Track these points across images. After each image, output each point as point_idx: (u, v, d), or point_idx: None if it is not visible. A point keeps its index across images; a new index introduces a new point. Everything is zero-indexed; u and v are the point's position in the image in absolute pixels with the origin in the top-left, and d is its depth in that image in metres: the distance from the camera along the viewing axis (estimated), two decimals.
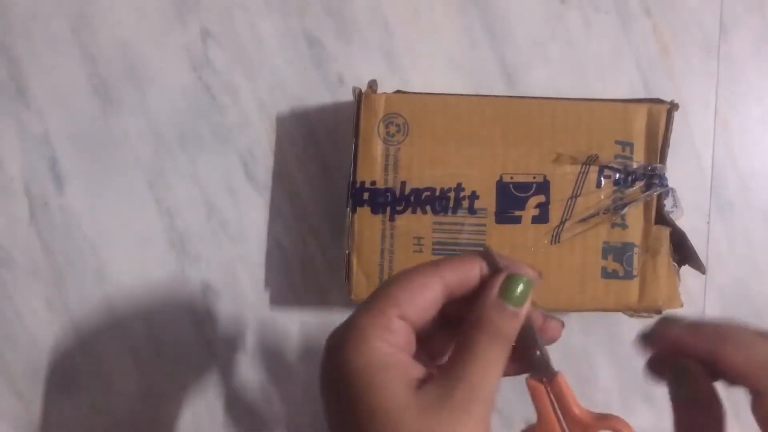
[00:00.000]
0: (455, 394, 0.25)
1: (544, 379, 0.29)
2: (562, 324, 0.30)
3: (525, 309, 0.28)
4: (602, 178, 0.43)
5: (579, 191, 0.43)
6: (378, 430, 0.24)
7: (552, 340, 0.30)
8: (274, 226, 0.50)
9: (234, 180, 0.50)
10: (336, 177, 0.50)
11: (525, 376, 0.30)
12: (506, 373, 0.29)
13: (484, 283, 0.28)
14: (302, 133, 0.50)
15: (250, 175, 0.50)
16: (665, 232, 0.43)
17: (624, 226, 0.43)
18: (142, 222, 0.50)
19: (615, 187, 0.43)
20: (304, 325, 0.51)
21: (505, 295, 0.27)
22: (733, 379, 0.27)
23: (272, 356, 0.51)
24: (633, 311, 0.44)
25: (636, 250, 0.43)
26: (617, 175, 0.43)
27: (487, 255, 0.29)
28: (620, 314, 0.45)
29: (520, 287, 0.27)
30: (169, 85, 0.50)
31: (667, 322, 0.29)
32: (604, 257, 0.43)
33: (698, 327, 0.28)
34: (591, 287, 0.43)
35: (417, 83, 0.50)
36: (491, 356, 0.26)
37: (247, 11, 0.50)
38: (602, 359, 0.50)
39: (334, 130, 0.50)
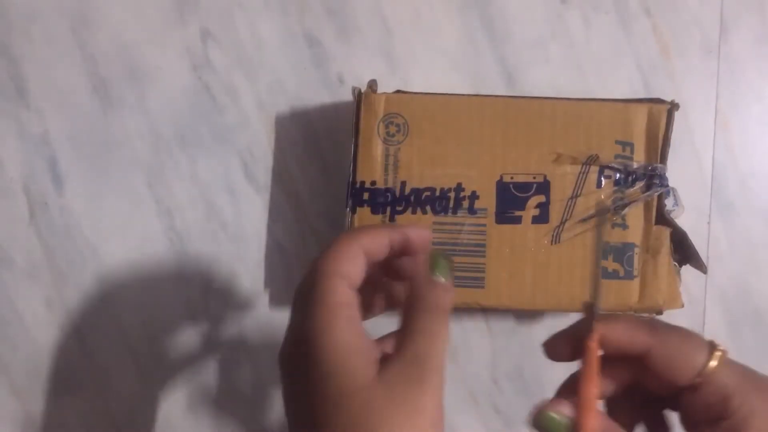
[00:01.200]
0: (413, 370, 0.28)
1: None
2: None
3: (452, 279, 0.31)
4: (602, 178, 0.43)
5: (579, 191, 0.43)
6: (349, 406, 0.27)
7: None
8: (274, 226, 0.50)
9: (234, 180, 0.50)
10: (336, 177, 0.50)
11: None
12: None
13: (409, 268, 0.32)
14: (302, 133, 0.50)
15: (250, 175, 0.50)
16: (666, 232, 0.43)
17: (624, 227, 0.43)
18: (142, 222, 0.50)
19: (615, 188, 0.43)
20: None
21: (433, 270, 0.30)
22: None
23: (272, 356, 0.51)
24: (634, 311, 0.44)
25: (636, 250, 0.43)
26: (617, 175, 0.43)
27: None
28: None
29: (440, 260, 0.31)
30: (169, 85, 0.50)
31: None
32: (605, 257, 0.43)
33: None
34: None
35: (417, 83, 0.50)
36: (435, 329, 0.29)
37: (247, 11, 0.50)
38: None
39: (334, 130, 0.50)
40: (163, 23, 0.50)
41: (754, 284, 0.51)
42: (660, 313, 0.43)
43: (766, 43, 0.50)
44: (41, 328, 0.50)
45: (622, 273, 0.43)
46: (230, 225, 0.50)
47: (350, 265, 0.30)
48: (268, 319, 0.50)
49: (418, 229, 0.32)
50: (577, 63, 0.50)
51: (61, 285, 0.50)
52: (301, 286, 0.30)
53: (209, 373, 0.51)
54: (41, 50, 0.50)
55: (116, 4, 0.50)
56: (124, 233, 0.50)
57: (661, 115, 0.43)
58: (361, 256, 0.30)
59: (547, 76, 0.50)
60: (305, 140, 0.50)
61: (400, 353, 0.28)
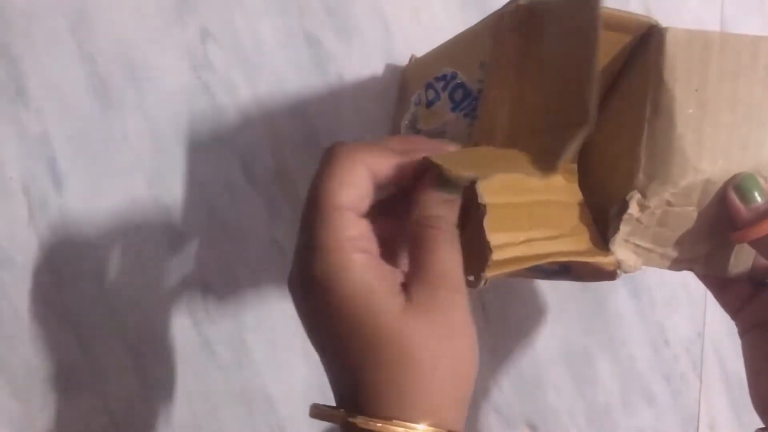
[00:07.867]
0: (439, 293, 0.27)
1: None
2: None
3: (460, 196, 0.29)
4: None
5: None
6: (384, 341, 0.26)
7: None
8: (274, 226, 0.50)
9: (234, 180, 0.50)
10: None
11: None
12: None
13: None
14: (302, 133, 0.50)
15: (250, 175, 0.50)
16: None
17: None
18: (142, 222, 0.50)
19: None
20: None
21: (440, 187, 0.28)
22: None
23: (272, 356, 0.51)
24: None
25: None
26: None
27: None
28: (620, 315, 0.45)
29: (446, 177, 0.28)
30: (169, 85, 0.50)
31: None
32: None
33: None
34: None
35: None
36: (450, 248, 0.28)
37: (247, 11, 0.50)
38: (602, 359, 0.50)
39: (334, 130, 0.50)
40: (163, 23, 0.50)
41: None
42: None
43: None
44: (41, 328, 0.50)
45: None
46: (230, 225, 0.50)
47: (358, 193, 0.27)
48: (268, 319, 0.50)
49: (434, 148, 0.29)
50: None
51: (61, 285, 0.50)
52: (304, 219, 0.28)
53: (209, 373, 0.51)
54: (40, 50, 0.49)
55: (116, 4, 0.50)
56: (124, 233, 0.50)
57: None
58: (366, 179, 0.27)
59: None
60: (305, 140, 0.50)
61: (421, 277, 0.27)
